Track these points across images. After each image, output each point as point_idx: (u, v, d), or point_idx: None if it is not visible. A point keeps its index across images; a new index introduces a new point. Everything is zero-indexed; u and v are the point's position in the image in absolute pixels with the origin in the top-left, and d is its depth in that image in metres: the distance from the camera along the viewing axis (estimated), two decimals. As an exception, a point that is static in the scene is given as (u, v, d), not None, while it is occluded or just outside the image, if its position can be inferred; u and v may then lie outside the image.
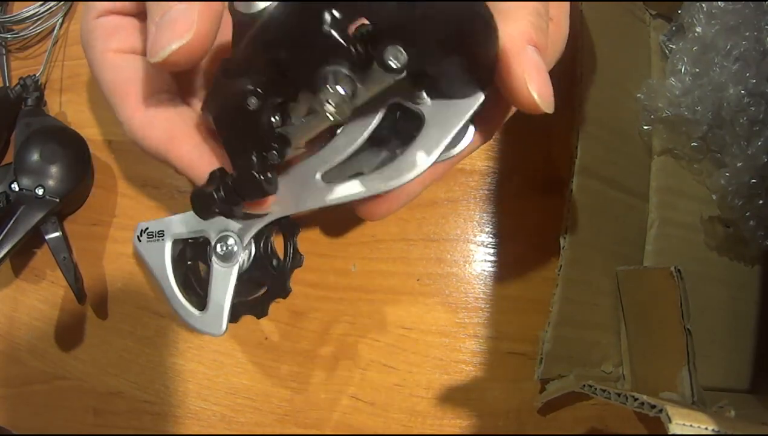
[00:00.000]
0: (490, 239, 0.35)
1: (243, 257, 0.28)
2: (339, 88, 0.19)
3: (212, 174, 0.24)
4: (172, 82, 0.27)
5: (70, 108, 0.41)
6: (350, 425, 0.34)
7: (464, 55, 0.20)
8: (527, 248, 0.35)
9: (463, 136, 0.24)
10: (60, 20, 0.41)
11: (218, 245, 0.28)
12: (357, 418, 0.34)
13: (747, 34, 0.33)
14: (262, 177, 0.22)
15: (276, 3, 0.19)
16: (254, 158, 0.22)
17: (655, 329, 0.30)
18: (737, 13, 0.33)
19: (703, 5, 0.34)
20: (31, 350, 0.39)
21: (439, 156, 0.23)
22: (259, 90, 0.21)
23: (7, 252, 0.34)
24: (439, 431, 0.34)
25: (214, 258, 0.28)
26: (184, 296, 0.29)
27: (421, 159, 0.22)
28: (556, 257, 0.30)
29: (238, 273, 0.28)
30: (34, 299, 0.39)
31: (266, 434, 0.35)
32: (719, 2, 0.33)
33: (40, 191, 0.35)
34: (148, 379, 0.37)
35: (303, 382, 0.35)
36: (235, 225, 0.28)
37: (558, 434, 0.33)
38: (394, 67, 0.19)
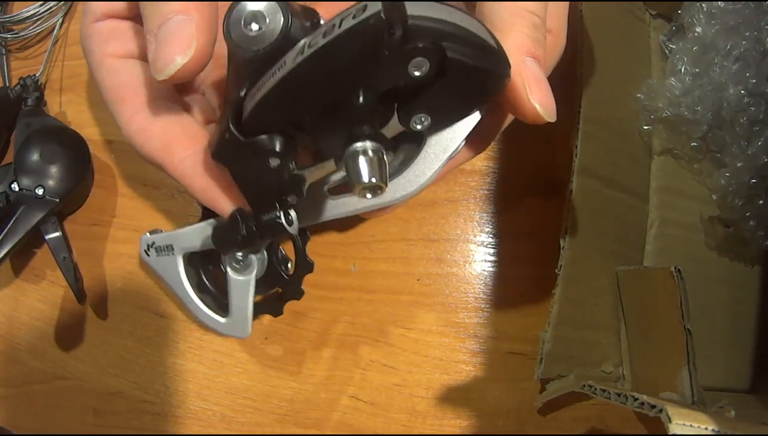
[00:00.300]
0: (490, 239, 0.35)
1: (257, 266, 0.29)
2: (374, 180, 0.18)
3: (233, 216, 0.24)
4: (170, 87, 0.27)
5: (70, 108, 0.41)
6: (350, 425, 0.34)
7: (482, 106, 0.20)
8: (527, 248, 0.35)
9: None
10: (60, 20, 0.41)
11: (232, 259, 0.28)
12: (357, 418, 0.34)
13: (747, 34, 0.33)
14: (285, 221, 0.23)
15: (289, 64, 0.18)
16: (277, 205, 0.23)
17: (655, 329, 0.30)
18: (737, 13, 0.33)
19: (703, 5, 0.34)
20: (31, 350, 0.39)
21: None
22: (278, 150, 0.20)
23: (7, 252, 0.34)
24: (439, 431, 0.34)
25: (229, 269, 0.28)
26: (204, 303, 0.30)
27: (423, 174, 0.23)
28: (556, 257, 0.30)
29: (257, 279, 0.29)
30: (34, 299, 0.39)
31: (266, 434, 0.35)
32: (719, 2, 0.33)
33: (40, 191, 0.35)
34: (148, 379, 0.37)
35: (303, 382, 0.35)
36: None
37: (558, 434, 0.33)
38: (419, 129, 0.19)
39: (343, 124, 0.19)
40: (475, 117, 0.22)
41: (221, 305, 0.31)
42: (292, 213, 0.24)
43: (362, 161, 0.18)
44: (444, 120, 0.20)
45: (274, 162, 0.20)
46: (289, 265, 0.32)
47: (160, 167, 0.25)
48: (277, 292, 0.32)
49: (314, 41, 0.17)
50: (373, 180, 0.18)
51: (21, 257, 0.40)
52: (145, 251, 0.30)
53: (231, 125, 0.20)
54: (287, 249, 0.32)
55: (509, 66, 0.19)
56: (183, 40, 0.20)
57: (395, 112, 0.20)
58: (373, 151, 0.18)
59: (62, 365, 0.38)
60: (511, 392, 0.33)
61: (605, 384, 0.26)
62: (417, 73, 0.17)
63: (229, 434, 0.35)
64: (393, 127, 0.20)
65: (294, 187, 0.22)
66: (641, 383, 0.31)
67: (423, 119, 0.19)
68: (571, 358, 0.31)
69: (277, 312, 0.32)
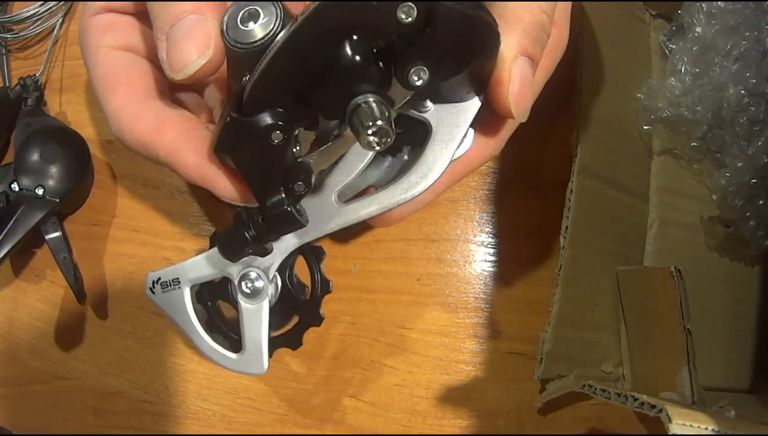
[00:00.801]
0: (490, 239, 0.35)
1: (270, 291, 0.27)
2: (380, 122, 0.18)
3: (238, 215, 0.23)
4: (164, 81, 0.26)
5: (70, 108, 0.41)
6: (350, 425, 0.34)
7: (476, 65, 0.20)
8: (527, 248, 0.35)
9: (464, 141, 0.24)
10: (60, 20, 0.41)
11: (243, 284, 0.27)
12: (357, 418, 0.34)
13: (747, 34, 0.33)
14: (295, 211, 0.22)
15: (285, 33, 0.18)
16: (283, 192, 0.22)
17: (655, 329, 0.30)
18: (737, 13, 0.33)
19: (703, 5, 0.34)
20: (31, 350, 0.39)
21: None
22: (281, 123, 0.20)
23: (7, 252, 0.34)
24: (439, 431, 0.34)
25: (240, 297, 0.27)
26: (214, 341, 0.28)
27: (433, 167, 0.23)
28: (556, 257, 0.30)
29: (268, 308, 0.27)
30: (34, 299, 0.39)
31: (266, 434, 0.35)
32: (719, 2, 0.33)
33: (40, 191, 0.35)
34: (148, 379, 0.37)
35: (303, 382, 0.35)
36: (256, 260, 0.27)
37: (558, 434, 0.33)
38: (419, 85, 0.19)
39: (343, 88, 0.19)
40: (475, 103, 0.22)
41: (234, 343, 0.29)
42: (302, 206, 0.23)
43: (365, 108, 0.18)
44: (441, 75, 0.20)
45: (277, 137, 0.20)
46: (306, 291, 0.30)
47: (149, 151, 0.24)
48: (293, 323, 0.30)
49: (306, 10, 0.17)
50: (379, 123, 0.18)
51: (21, 257, 0.40)
52: (151, 289, 0.28)
53: (232, 111, 0.20)
54: (302, 275, 0.31)
55: (496, 22, 0.20)
56: (201, 39, 0.20)
57: (393, 76, 0.20)
58: (375, 101, 0.18)
59: (62, 365, 0.38)
60: (511, 392, 0.33)
61: (605, 384, 0.26)
62: (406, 19, 0.17)
63: (229, 434, 0.35)
64: (397, 95, 0.20)
65: (301, 174, 0.22)
66: (641, 383, 0.31)
67: (421, 73, 0.19)
68: (571, 358, 0.31)
69: (296, 344, 0.30)
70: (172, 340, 0.37)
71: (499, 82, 0.21)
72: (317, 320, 0.30)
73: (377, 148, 0.19)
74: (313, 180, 0.22)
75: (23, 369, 0.39)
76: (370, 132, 0.18)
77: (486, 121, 0.23)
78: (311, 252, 0.30)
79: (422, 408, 0.34)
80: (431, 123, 0.23)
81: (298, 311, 0.30)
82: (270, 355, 0.27)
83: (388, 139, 0.18)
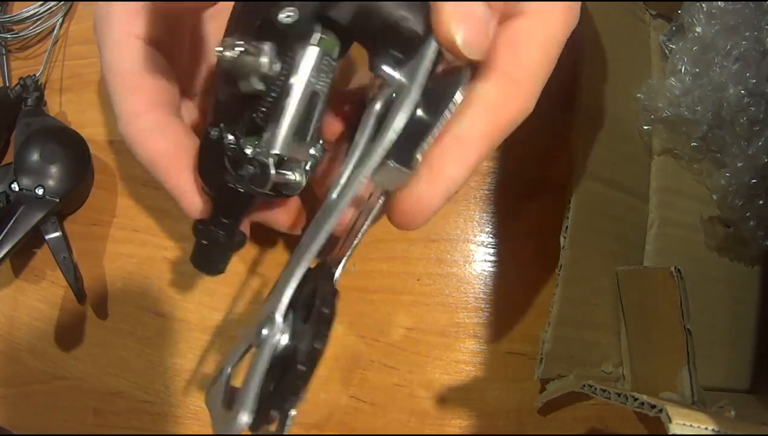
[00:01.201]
0: (490, 239, 0.35)
1: (278, 334, 0.23)
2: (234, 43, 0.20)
3: (194, 227, 0.26)
4: (183, 93, 0.26)
5: (70, 108, 0.41)
6: (350, 425, 0.34)
7: None
8: (527, 248, 0.35)
9: (452, 99, 0.22)
10: (60, 20, 0.41)
11: (256, 333, 0.23)
12: (357, 418, 0.34)
13: (747, 34, 0.33)
14: (237, 183, 0.23)
15: None
16: (227, 175, 0.23)
17: (655, 329, 0.30)
18: (737, 13, 0.33)
19: (703, 5, 0.34)
20: (31, 350, 0.39)
21: (435, 119, 0.21)
22: (212, 120, 0.23)
23: (7, 252, 0.34)
24: (439, 431, 0.34)
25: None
26: None
27: (399, 114, 0.21)
28: (556, 257, 0.30)
29: (278, 354, 0.23)
30: (34, 299, 0.39)
31: (266, 434, 0.35)
32: (719, 2, 0.33)
33: (40, 191, 0.35)
34: (148, 379, 0.37)
35: (303, 382, 0.35)
36: (267, 307, 0.23)
37: (558, 434, 0.33)
38: (288, 22, 0.20)
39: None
40: (430, 44, 0.21)
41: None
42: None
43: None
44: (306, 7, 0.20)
45: (214, 133, 0.23)
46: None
47: (156, 174, 0.24)
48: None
49: None
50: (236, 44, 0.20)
51: (21, 257, 0.40)
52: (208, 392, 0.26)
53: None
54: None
55: None
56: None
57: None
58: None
59: (62, 365, 0.38)
60: (511, 392, 0.33)
61: (605, 384, 0.26)
62: None
63: (229, 434, 0.35)
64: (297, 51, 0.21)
65: (245, 159, 0.23)
66: (641, 383, 0.31)
67: (290, 12, 0.20)
68: (571, 358, 0.31)
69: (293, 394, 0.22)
70: (172, 340, 0.37)
71: (437, 15, 0.18)
72: (314, 352, 0.23)
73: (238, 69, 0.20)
74: (271, 160, 0.22)
75: (23, 369, 0.39)
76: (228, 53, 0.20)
77: (502, 69, 0.21)
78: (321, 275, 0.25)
79: (422, 408, 0.34)
80: (405, 84, 0.21)
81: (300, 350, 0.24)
82: (264, 412, 0.21)
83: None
